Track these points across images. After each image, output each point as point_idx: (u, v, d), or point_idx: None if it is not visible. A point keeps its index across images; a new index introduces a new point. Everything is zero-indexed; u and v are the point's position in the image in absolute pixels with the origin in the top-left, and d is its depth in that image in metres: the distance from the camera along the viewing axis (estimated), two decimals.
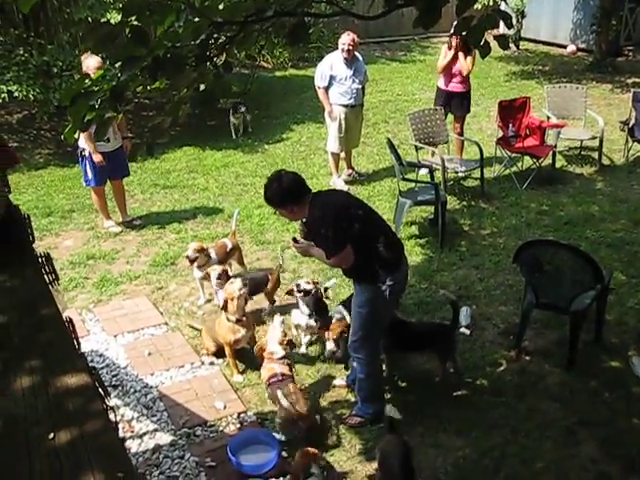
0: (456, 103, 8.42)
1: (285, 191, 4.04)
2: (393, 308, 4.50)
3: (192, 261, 5.68)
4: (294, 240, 4.35)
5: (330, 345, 4.97)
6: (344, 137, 8.22)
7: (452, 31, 7.90)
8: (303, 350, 5.19)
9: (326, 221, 3.98)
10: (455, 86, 8.34)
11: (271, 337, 4.71)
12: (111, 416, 1.72)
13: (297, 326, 5.22)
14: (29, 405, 1.68)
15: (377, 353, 4.45)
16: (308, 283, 5.10)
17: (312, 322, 5.08)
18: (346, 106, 8.06)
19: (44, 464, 1.50)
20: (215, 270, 5.56)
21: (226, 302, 4.91)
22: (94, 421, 1.62)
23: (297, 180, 4.12)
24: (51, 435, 1.57)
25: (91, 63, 6.45)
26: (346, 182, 8.44)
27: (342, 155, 8.55)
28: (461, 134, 8.67)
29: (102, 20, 8.54)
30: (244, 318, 4.95)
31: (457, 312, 4.75)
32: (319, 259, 4.34)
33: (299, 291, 5.05)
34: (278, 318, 4.82)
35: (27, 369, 1.80)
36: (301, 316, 5.13)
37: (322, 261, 4.34)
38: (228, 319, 4.91)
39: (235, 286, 4.92)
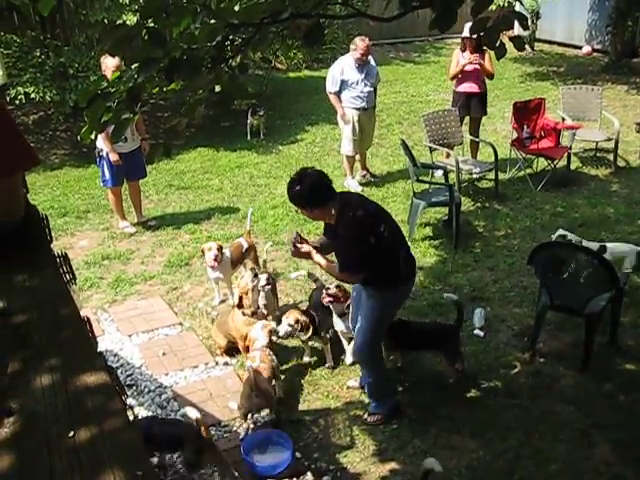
0: (474, 104, 8.39)
1: (306, 193, 3.90)
2: (395, 315, 4.54)
3: (216, 259, 5.60)
4: (294, 246, 4.20)
5: (285, 327, 4.77)
6: (358, 139, 8.23)
7: (464, 32, 7.94)
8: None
9: (360, 239, 3.94)
10: (472, 86, 8.30)
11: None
12: (129, 415, 1.74)
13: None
14: (49, 403, 1.69)
15: (380, 355, 4.49)
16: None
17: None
18: (358, 109, 8.06)
19: (64, 462, 1.51)
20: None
21: (241, 298, 4.93)
22: (113, 419, 1.63)
23: (319, 182, 3.96)
24: (71, 433, 1.59)
25: (110, 63, 6.52)
26: (360, 183, 8.44)
27: (357, 157, 8.55)
28: (477, 136, 8.64)
29: (118, 22, 8.61)
30: (259, 311, 4.98)
31: (461, 313, 4.78)
32: (320, 266, 4.25)
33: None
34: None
35: (47, 367, 1.82)
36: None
37: (320, 267, 4.25)
38: (243, 312, 4.94)
39: (247, 279, 4.97)
